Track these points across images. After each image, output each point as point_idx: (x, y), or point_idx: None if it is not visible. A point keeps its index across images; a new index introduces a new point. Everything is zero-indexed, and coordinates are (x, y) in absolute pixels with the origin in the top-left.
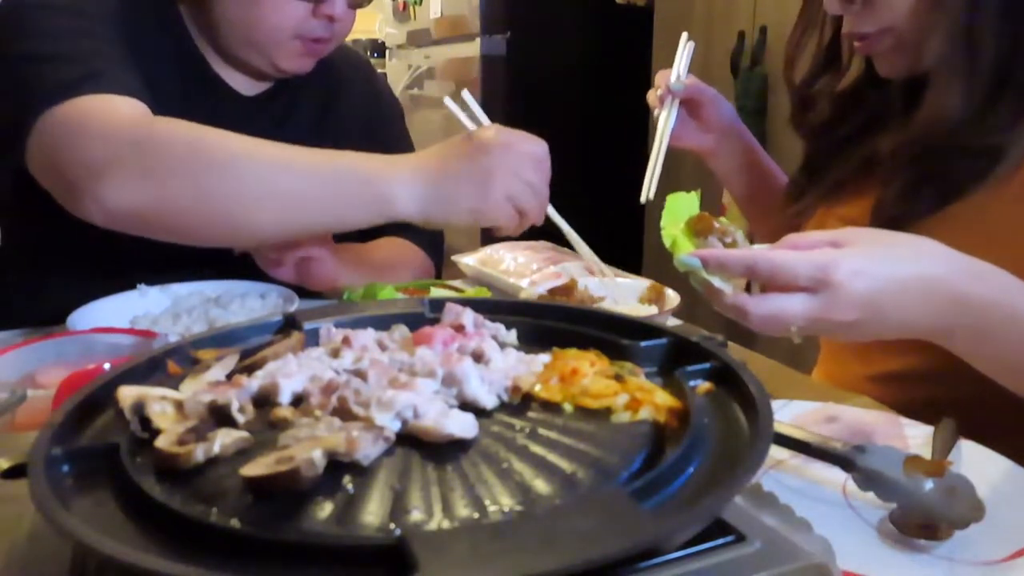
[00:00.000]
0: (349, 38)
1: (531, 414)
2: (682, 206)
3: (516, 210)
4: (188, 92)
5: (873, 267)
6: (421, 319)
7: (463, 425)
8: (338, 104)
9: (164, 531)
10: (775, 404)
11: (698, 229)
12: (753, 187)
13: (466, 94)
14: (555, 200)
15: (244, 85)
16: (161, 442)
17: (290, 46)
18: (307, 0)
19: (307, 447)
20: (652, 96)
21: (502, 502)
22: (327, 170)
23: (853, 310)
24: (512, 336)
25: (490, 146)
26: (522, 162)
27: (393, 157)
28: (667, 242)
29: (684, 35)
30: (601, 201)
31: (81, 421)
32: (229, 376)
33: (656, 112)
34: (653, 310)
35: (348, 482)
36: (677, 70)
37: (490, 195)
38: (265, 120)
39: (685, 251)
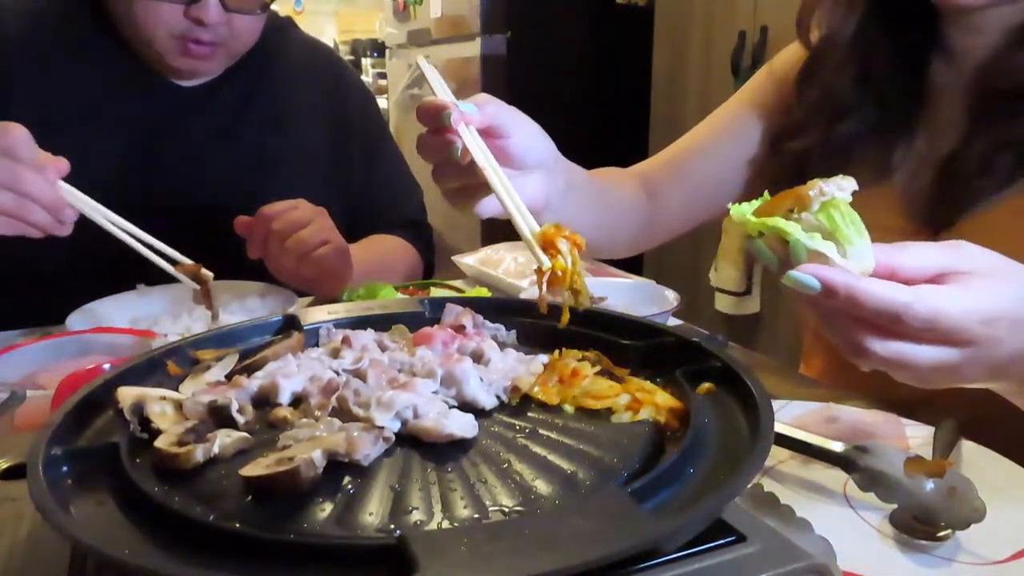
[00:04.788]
0: (348, 37)
1: (531, 414)
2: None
3: (2, 212)
4: (123, 88)
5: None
6: (421, 319)
7: (463, 425)
8: (299, 97)
9: (164, 531)
10: (775, 404)
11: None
12: (617, 213)
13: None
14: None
15: (183, 77)
16: (161, 442)
17: (169, 44)
18: (176, 3)
19: (307, 447)
20: (427, 140)
21: (502, 502)
22: None
23: (986, 370)
24: (512, 336)
25: None
26: None
27: None
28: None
29: (420, 59)
30: None
31: (80, 421)
32: (229, 376)
33: (455, 146)
34: (653, 310)
35: (348, 482)
36: (442, 94)
37: None
38: (218, 110)
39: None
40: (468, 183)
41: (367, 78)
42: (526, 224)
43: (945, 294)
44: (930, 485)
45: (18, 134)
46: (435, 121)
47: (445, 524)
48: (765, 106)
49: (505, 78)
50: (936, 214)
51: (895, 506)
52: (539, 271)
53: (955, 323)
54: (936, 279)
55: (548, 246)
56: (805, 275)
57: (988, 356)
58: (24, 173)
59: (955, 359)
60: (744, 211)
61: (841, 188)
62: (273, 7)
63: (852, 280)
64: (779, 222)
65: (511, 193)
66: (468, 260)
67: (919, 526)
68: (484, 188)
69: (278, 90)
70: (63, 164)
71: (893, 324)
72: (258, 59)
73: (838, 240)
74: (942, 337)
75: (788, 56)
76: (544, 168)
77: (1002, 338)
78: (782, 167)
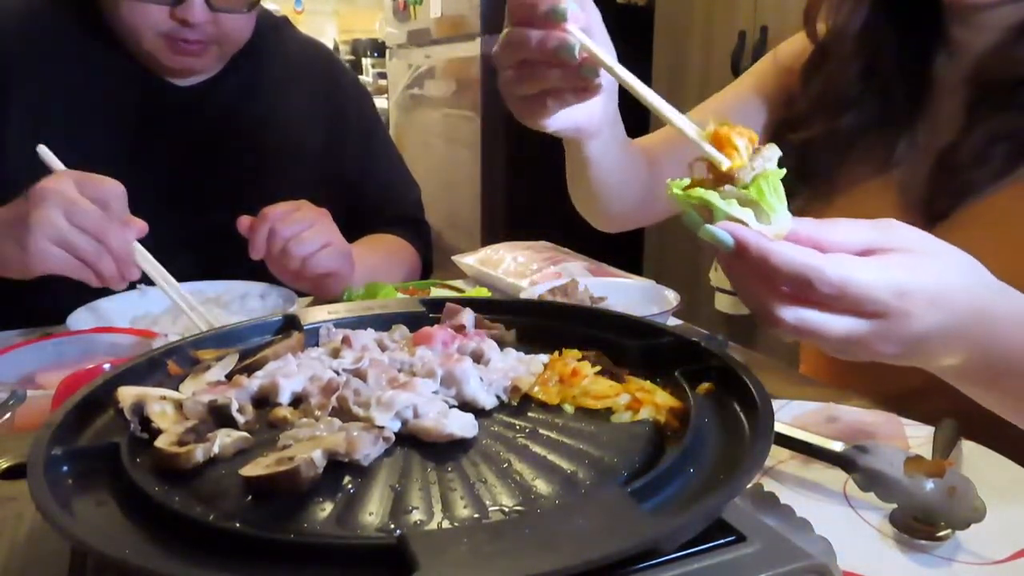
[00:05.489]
0: (348, 37)
1: (531, 414)
2: None
3: (79, 257)
4: (119, 87)
5: (947, 296)
6: (421, 319)
7: (463, 425)
8: (295, 95)
9: (164, 531)
10: (775, 404)
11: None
12: (628, 170)
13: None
14: (556, 200)
15: (178, 76)
16: (161, 442)
17: (157, 43)
18: (161, 3)
19: (307, 447)
20: (530, 36)
21: (502, 502)
22: None
23: (898, 346)
24: (512, 336)
25: (33, 194)
26: (70, 207)
27: None
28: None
29: None
30: None
31: (81, 421)
32: (229, 376)
33: (571, 45)
34: (653, 310)
35: (348, 482)
36: None
37: (29, 245)
38: (215, 108)
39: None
40: (560, 87)
41: (367, 78)
42: (684, 121)
43: (858, 263)
44: (930, 485)
45: (116, 189)
46: (536, 14)
47: (445, 524)
48: (768, 94)
49: None
50: (932, 205)
51: (895, 506)
52: (712, 168)
53: (864, 292)
54: (861, 255)
55: (724, 144)
56: (720, 230)
57: (899, 330)
58: (112, 226)
59: (865, 330)
60: (677, 185)
61: (768, 159)
62: (273, 6)
63: (765, 241)
64: (699, 191)
65: (647, 90)
66: (468, 260)
67: (919, 526)
68: (571, 95)
69: (274, 89)
70: (142, 226)
71: (804, 290)
72: (254, 58)
73: (762, 209)
74: (852, 306)
75: (793, 47)
76: (608, 90)
77: (915, 313)
78: (783, 157)
